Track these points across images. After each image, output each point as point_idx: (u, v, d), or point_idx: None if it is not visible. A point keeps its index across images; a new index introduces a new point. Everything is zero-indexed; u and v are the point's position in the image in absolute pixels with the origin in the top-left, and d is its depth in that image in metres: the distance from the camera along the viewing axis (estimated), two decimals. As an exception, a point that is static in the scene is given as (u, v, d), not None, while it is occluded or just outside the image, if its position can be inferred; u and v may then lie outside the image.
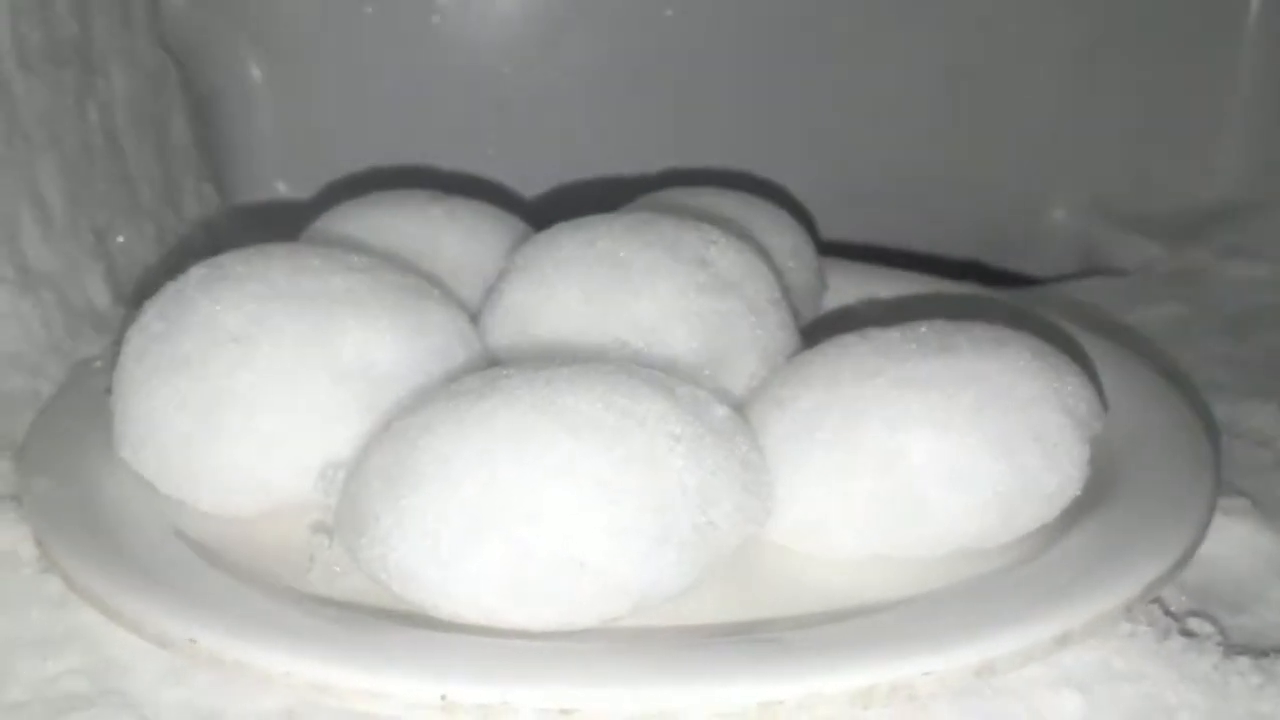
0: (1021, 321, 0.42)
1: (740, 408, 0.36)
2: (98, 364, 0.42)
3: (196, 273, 0.37)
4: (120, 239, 0.54)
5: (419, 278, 0.39)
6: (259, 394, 0.33)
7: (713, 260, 0.40)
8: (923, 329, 0.35)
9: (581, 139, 0.76)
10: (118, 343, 0.46)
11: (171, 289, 0.36)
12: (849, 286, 0.53)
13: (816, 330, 0.47)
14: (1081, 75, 0.80)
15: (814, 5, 0.75)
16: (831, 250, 0.56)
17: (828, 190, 0.72)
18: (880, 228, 0.75)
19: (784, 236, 0.51)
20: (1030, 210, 0.81)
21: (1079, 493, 0.33)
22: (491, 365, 0.39)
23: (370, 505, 0.29)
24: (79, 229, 0.50)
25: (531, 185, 0.74)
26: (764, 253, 0.45)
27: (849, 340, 0.36)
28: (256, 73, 0.72)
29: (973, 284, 0.67)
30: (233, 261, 0.37)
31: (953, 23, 0.77)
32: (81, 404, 0.38)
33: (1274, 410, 0.50)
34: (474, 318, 0.42)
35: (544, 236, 0.42)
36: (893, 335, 0.35)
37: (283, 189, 0.73)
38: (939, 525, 0.31)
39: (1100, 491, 0.34)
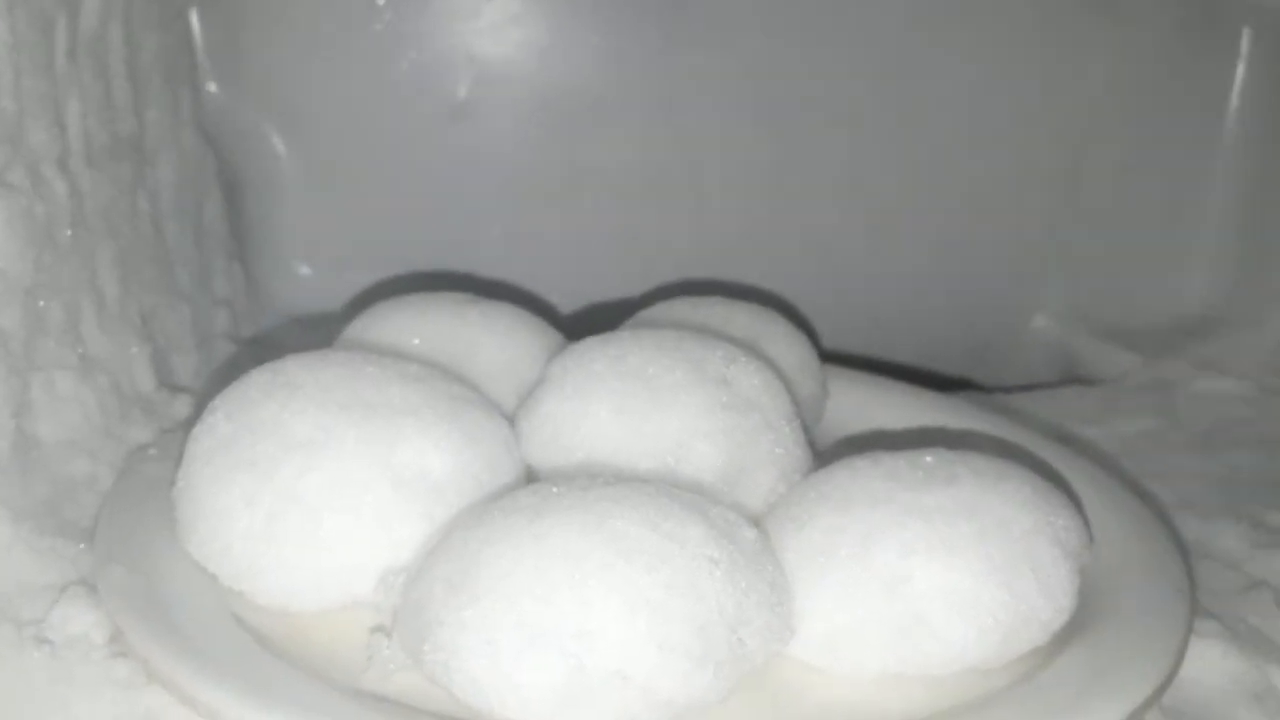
0: (1011, 449, 0.46)
1: (758, 521, 0.39)
2: (152, 452, 0.45)
3: (260, 378, 0.40)
4: (162, 322, 0.57)
5: (467, 387, 0.42)
6: (323, 499, 0.36)
7: (734, 379, 0.43)
8: (928, 458, 0.39)
9: (597, 234, 0.80)
10: (168, 430, 0.49)
11: (236, 392, 0.39)
12: (849, 395, 0.57)
13: (822, 441, 0.51)
14: (1066, 192, 0.85)
15: (812, 125, 0.79)
16: (827, 357, 0.59)
17: (821, 298, 0.76)
18: (869, 332, 0.79)
19: (792, 349, 0.54)
20: (1013, 319, 0.86)
21: (1069, 618, 0.36)
22: (530, 472, 0.42)
23: (434, 613, 0.31)
24: (128, 314, 0.53)
25: (547, 276, 0.77)
26: (779, 371, 0.49)
27: (860, 465, 0.39)
28: (285, 158, 0.75)
29: (964, 394, 0.71)
30: (294, 368, 0.40)
31: (947, 141, 0.82)
32: (143, 493, 0.41)
33: (1243, 531, 0.53)
34: (509, 421, 0.45)
35: (577, 350, 0.45)
36: (900, 462, 0.39)
37: (305, 271, 0.76)
38: (944, 647, 0.34)
39: (1087, 615, 0.38)
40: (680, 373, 0.42)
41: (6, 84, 0.43)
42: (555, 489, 0.34)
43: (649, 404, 0.41)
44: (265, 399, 0.38)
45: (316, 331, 0.68)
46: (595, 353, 0.44)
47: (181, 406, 0.53)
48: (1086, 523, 0.39)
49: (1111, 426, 0.69)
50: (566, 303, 0.77)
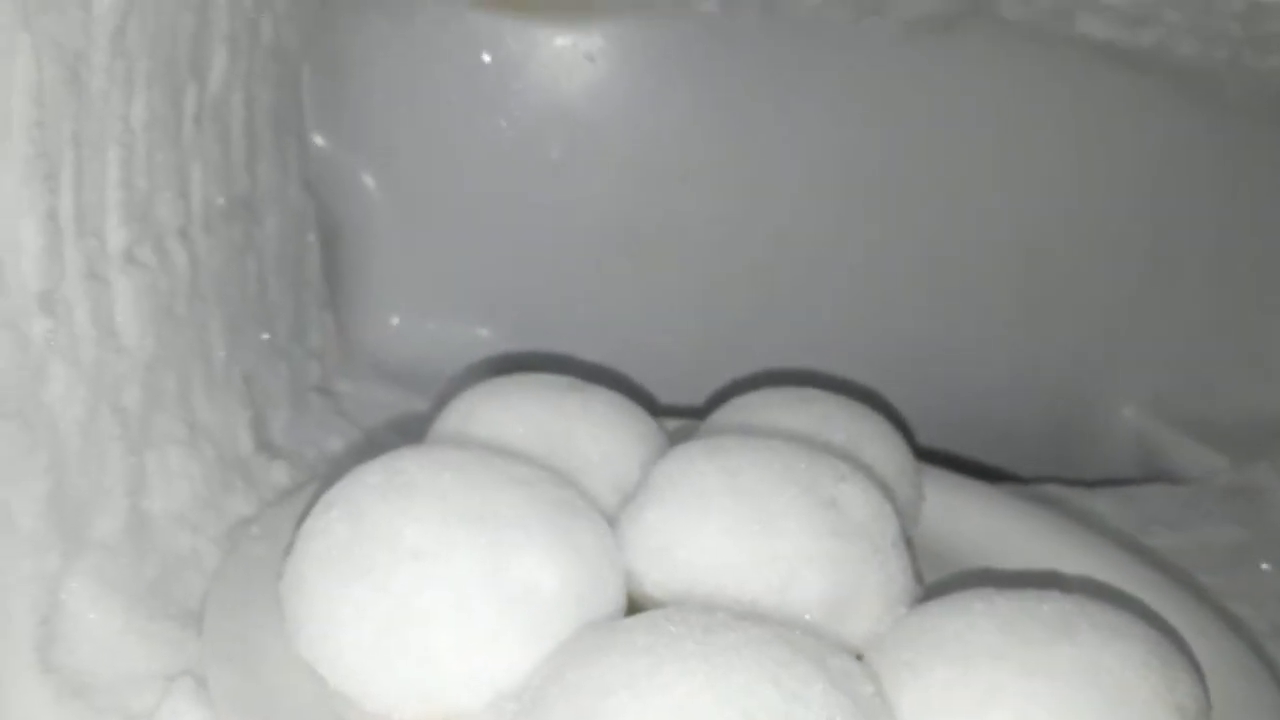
0: (1123, 593, 0.45)
1: (862, 654, 0.39)
2: (255, 530, 0.45)
3: (374, 478, 0.40)
4: (262, 381, 0.57)
5: (573, 490, 0.42)
6: (434, 614, 0.36)
7: (843, 502, 0.43)
8: (1044, 607, 0.38)
9: (681, 296, 0.80)
10: (268, 502, 0.49)
11: (348, 493, 0.39)
12: (942, 498, 0.56)
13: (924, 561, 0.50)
14: (1156, 280, 0.83)
15: (899, 206, 0.79)
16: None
17: (901, 384, 0.75)
18: (950, 421, 0.78)
19: (891, 453, 0.54)
20: (1097, 410, 0.84)
21: (1183, 789, 0.36)
22: (629, 577, 0.42)
23: (551, 757, 0.31)
24: (232, 378, 0.53)
25: (631, 335, 0.78)
26: (878, 476, 0.48)
27: (974, 608, 0.39)
28: (382, 208, 0.76)
29: (1048, 489, 0.70)
30: (408, 467, 0.40)
31: (1035, 225, 0.81)
32: (249, 580, 0.41)
33: (1339, 669, 0.52)
34: (607, 516, 0.45)
35: (685, 456, 0.45)
36: (1016, 609, 0.38)
37: (395, 322, 0.77)
38: (1059, 816, 0.34)
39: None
40: (791, 494, 0.42)
41: (140, 162, 0.43)
42: (672, 628, 0.34)
43: (759, 526, 0.41)
44: (380, 502, 0.38)
45: (404, 387, 0.69)
46: (704, 464, 0.43)
47: (279, 473, 0.53)
48: (1205, 686, 0.38)
49: (1197, 534, 0.68)
50: (648, 365, 0.76)
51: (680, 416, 0.60)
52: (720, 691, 0.31)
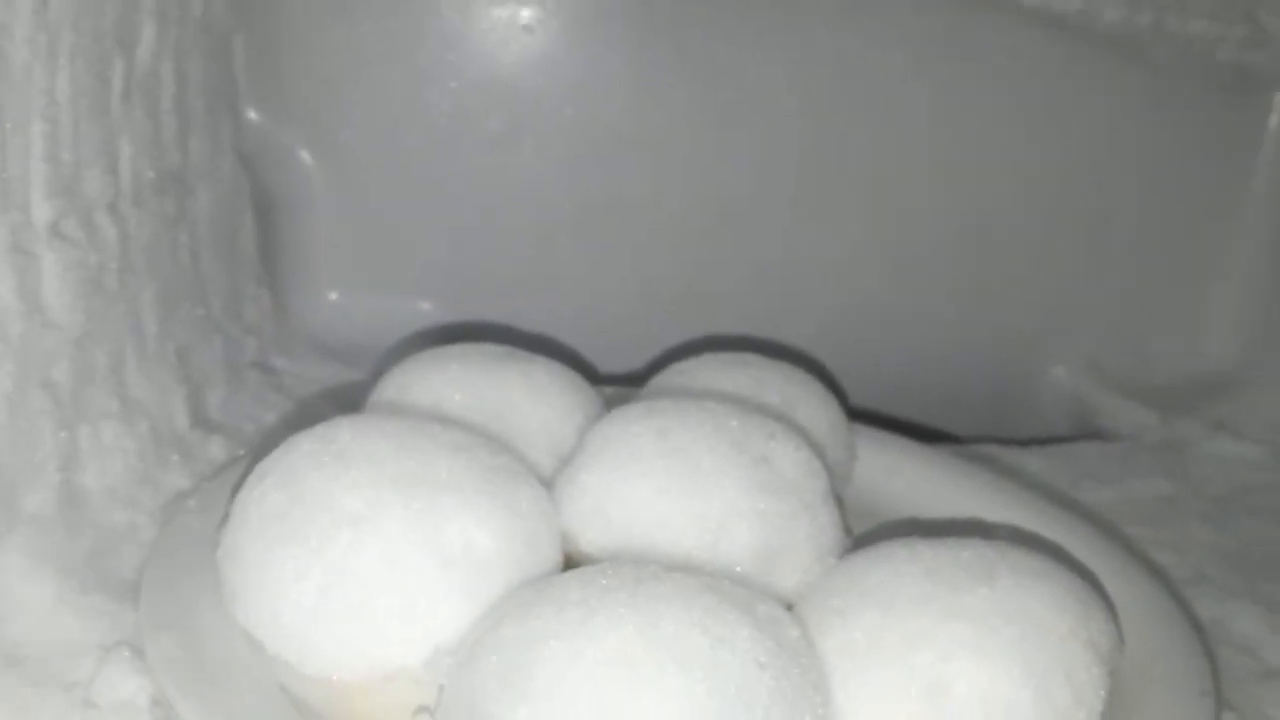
0: (1041, 537, 0.47)
1: (793, 604, 0.40)
2: (191, 504, 0.45)
3: (309, 446, 0.40)
4: (197, 357, 0.57)
5: (510, 456, 0.43)
6: (372, 575, 0.36)
7: (774, 457, 0.44)
8: (965, 552, 0.39)
9: (622, 268, 0.80)
10: (205, 478, 0.50)
11: (286, 460, 0.40)
12: (876, 456, 0.57)
13: (850, 507, 0.51)
14: (1090, 245, 0.85)
15: (841, 174, 0.80)
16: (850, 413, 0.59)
17: (841, 347, 0.76)
18: (889, 384, 0.79)
19: (824, 413, 0.55)
20: (1031, 371, 0.86)
21: (1098, 720, 0.37)
22: (565, 537, 0.43)
23: (486, 706, 0.32)
24: (166, 353, 0.53)
25: (572, 308, 0.78)
26: (811, 436, 0.49)
27: (898, 556, 0.40)
28: (319, 183, 0.76)
29: (984, 448, 0.72)
30: (345, 437, 0.40)
31: (973, 191, 0.82)
32: (186, 552, 0.41)
33: (1260, 614, 0.54)
34: (544, 482, 0.45)
35: (619, 420, 0.46)
36: (939, 556, 0.39)
37: (333, 297, 0.76)
38: (980, 750, 0.35)
39: (1113, 715, 0.38)
40: (722, 451, 0.43)
41: (65, 136, 0.43)
42: (604, 580, 0.35)
43: (691, 483, 0.42)
44: (315, 470, 0.39)
45: (342, 362, 0.68)
46: (638, 425, 0.44)
47: (215, 448, 0.53)
48: (1119, 625, 0.39)
49: (1126, 488, 0.70)
50: (591, 335, 0.77)
51: (619, 384, 0.61)
52: (650, 639, 0.32)
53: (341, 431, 0.41)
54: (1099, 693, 0.37)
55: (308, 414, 0.51)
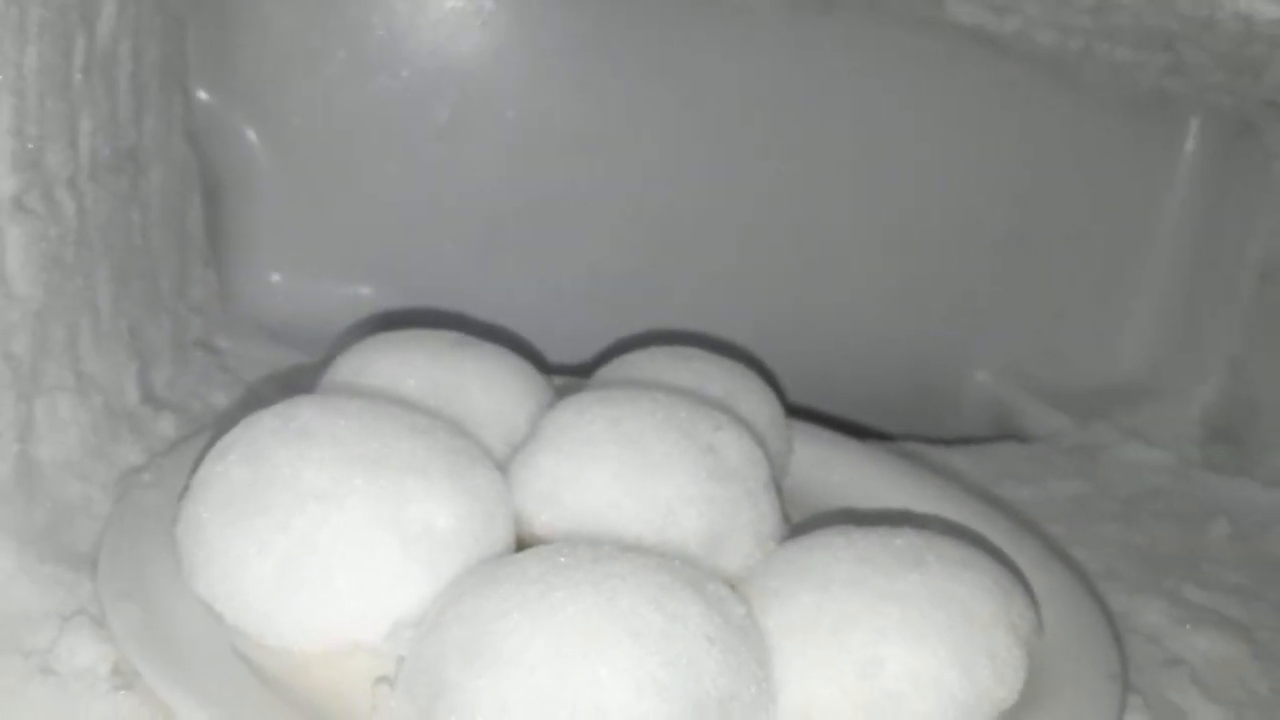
0: (967, 529, 0.49)
1: (736, 585, 0.42)
2: (146, 478, 0.46)
3: (272, 423, 0.41)
4: (147, 334, 0.57)
5: (467, 439, 0.44)
6: (335, 550, 0.38)
7: (720, 447, 0.46)
8: (898, 540, 0.42)
9: (566, 260, 0.82)
10: (157, 453, 0.50)
11: (247, 437, 0.41)
12: (811, 450, 0.60)
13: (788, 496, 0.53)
14: (1013, 253, 0.89)
15: (778, 177, 0.82)
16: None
17: (774, 346, 0.79)
18: (820, 382, 0.81)
19: (763, 407, 0.57)
20: (955, 374, 0.89)
21: (1017, 699, 0.40)
22: (519, 519, 0.44)
23: (449, 675, 0.33)
24: (118, 329, 0.53)
25: (518, 298, 0.79)
26: (759, 437, 0.51)
27: (835, 543, 0.42)
28: (266, 165, 0.76)
29: (910, 445, 0.75)
30: (307, 415, 0.41)
31: (902, 197, 0.85)
32: (144, 524, 0.42)
33: (1163, 607, 0.57)
34: (499, 466, 0.47)
35: (573, 407, 0.47)
36: (872, 543, 0.42)
37: (276, 279, 0.77)
38: (908, 723, 0.38)
39: (1031, 694, 0.41)
40: (672, 439, 0.45)
41: (31, 109, 0.43)
42: (562, 558, 0.36)
43: (644, 471, 0.44)
44: (279, 446, 0.40)
45: (284, 344, 0.69)
46: (592, 413, 0.46)
47: (165, 424, 0.54)
48: (1038, 610, 0.42)
49: (1044, 487, 0.73)
50: (533, 326, 0.78)
51: (568, 374, 0.62)
52: (606, 613, 0.33)
53: (304, 410, 0.42)
54: (1019, 673, 0.40)
55: (260, 398, 0.52)
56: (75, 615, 0.39)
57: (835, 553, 0.41)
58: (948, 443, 0.78)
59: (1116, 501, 0.73)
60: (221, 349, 0.69)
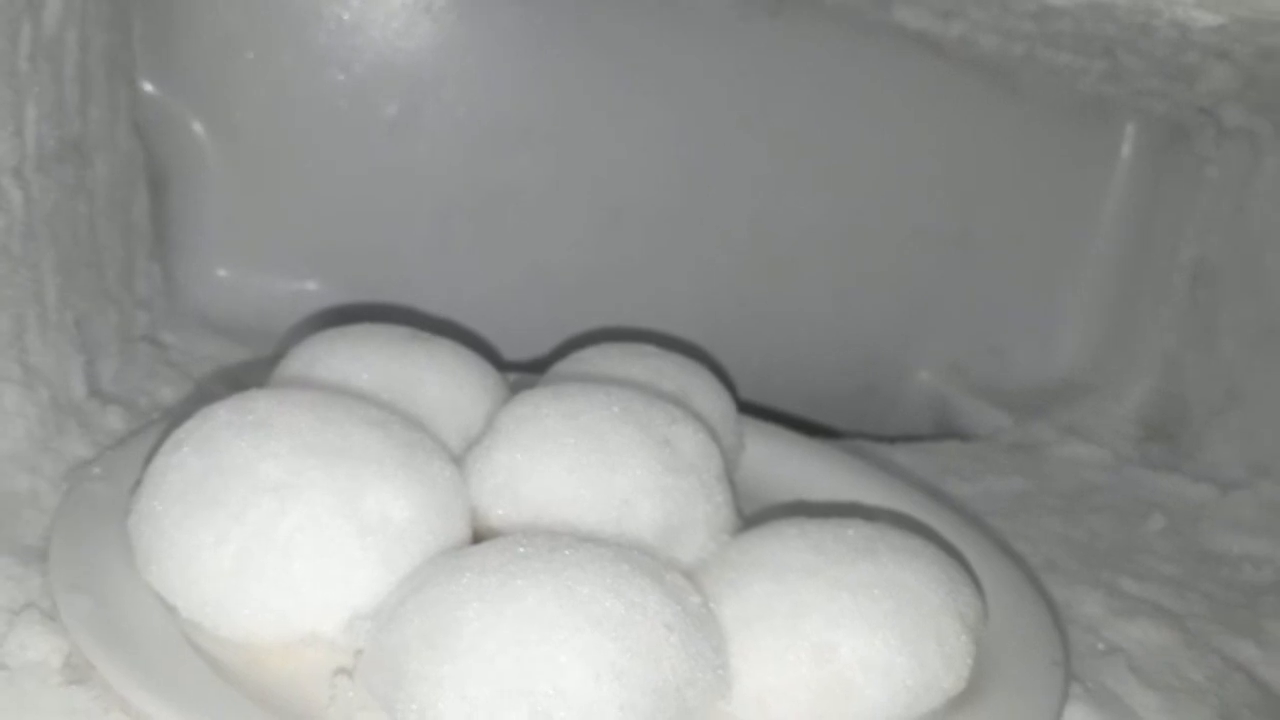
0: (915, 520, 0.50)
1: (691, 576, 0.43)
2: (96, 471, 0.45)
3: (228, 415, 0.41)
4: (92, 327, 0.56)
5: (423, 432, 0.44)
6: (292, 542, 0.38)
7: (675, 440, 0.47)
8: (849, 531, 0.43)
9: (515, 255, 0.82)
10: (106, 446, 0.49)
11: (204, 428, 0.40)
12: (761, 446, 0.61)
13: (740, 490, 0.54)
14: (953, 254, 0.90)
15: (725, 173, 0.83)
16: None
17: (720, 342, 0.80)
18: (765, 379, 0.83)
19: (716, 402, 0.58)
20: (897, 372, 0.91)
21: (965, 684, 0.41)
22: (475, 514, 0.45)
23: (411, 665, 0.34)
24: (65, 322, 0.53)
25: (467, 294, 0.79)
26: (713, 431, 0.52)
27: (788, 533, 0.43)
28: (212, 159, 0.75)
29: (855, 443, 0.76)
30: (263, 407, 0.41)
31: (847, 198, 0.87)
32: (94, 517, 0.42)
33: (1101, 598, 0.59)
34: (455, 460, 0.47)
35: (529, 401, 0.47)
36: (825, 534, 0.43)
37: (222, 274, 0.76)
38: (861, 708, 0.38)
39: (978, 680, 0.42)
40: (628, 432, 0.45)
41: (-24, 96, 0.43)
42: (521, 549, 0.36)
43: (600, 463, 0.44)
44: (235, 438, 0.39)
45: (230, 339, 0.68)
46: (548, 407, 0.46)
47: (113, 418, 0.53)
48: (984, 599, 0.43)
49: (985, 484, 0.75)
50: (483, 320, 0.78)
51: (521, 371, 0.62)
52: (566, 601, 0.34)
53: (259, 402, 0.42)
54: (966, 660, 0.41)
55: (208, 394, 0.51)
56: (25, 609, 0.38)
57: (789, 543, 0.42)
58: (891, 440, 0.79)
59: (1056, 497, 0.74)
60: (168, 343, 0.68)
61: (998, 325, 0.93)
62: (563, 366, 0.58)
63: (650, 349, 0.59)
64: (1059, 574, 0.61)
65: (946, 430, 0.89)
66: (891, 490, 0.55)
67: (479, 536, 0.44)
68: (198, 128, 0.74)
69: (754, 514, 0.50)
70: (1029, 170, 0.90)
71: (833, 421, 0.84)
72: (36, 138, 0.50)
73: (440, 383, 0.52)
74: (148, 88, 0.71)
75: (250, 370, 0.58)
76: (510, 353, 0.75)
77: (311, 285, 0.79)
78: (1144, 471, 0.78)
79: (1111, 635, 0.55)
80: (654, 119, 0.81)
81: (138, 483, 0.41)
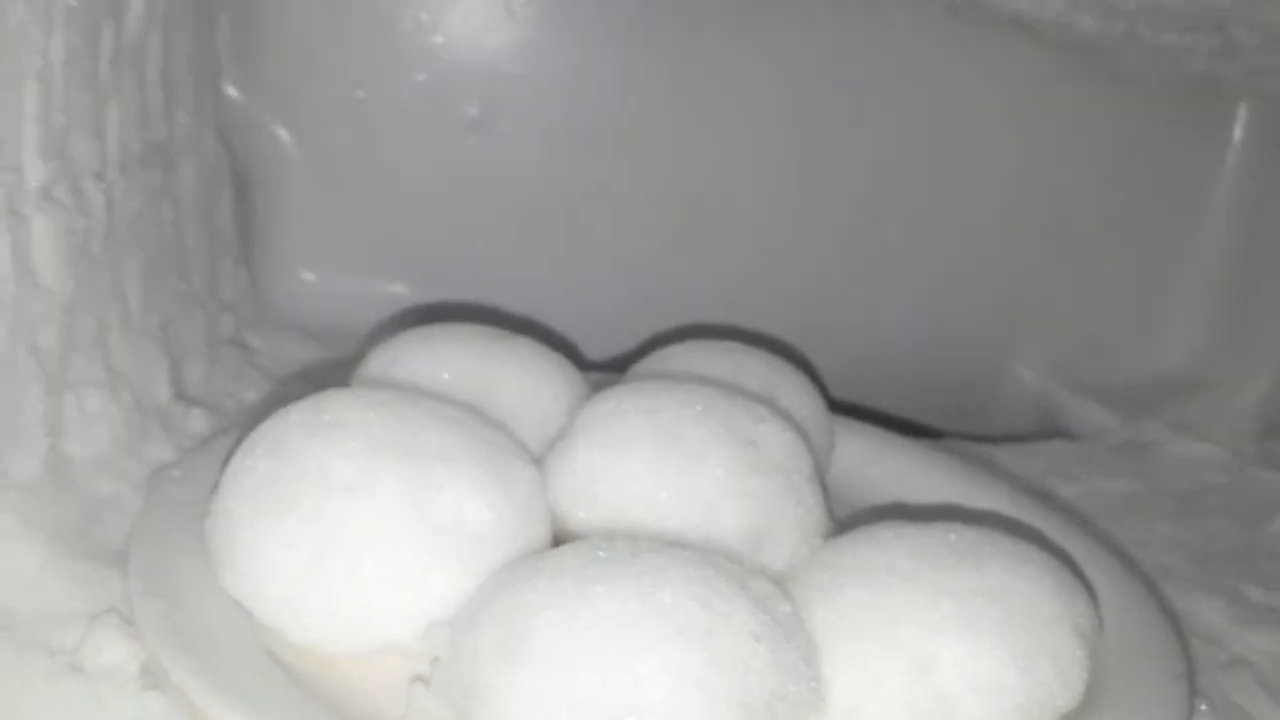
0: (1021, 523, 0.48)
1: (781, 583, 0.40)
2: (176, 474, 0.45)
3: (301, 416, 0.40)
4: (178, 331, 0.57)
5: (501, 431, 0.43)
6: (365, 545, 0.36)
7: (762, 440, 0.45)
8: (951, 535, 0.40)
9: (603, 255, 0.81)
10: (187, 449, 0.49)
11: (275, 431, 0.40)
12: (854, 445, 0.58)
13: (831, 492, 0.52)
14: (1055, 246, 0.87)
15: (822, 170, 0.81)
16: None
17: (815, 340, 0.77)
18: (860, 377, 0.80)
19: (805, 401, 0.56)
20: (997, 369, 0.88)
21: (1080, 702, 0.38)
22: (555, 516, 0.43)
23: (484, 673, 0.32)
24: (149, 325, 0.53)
25: (552, 295, 0.78)
26: (802, 430, 0.50)
27: (885, 537, 0.40)
28: (297, 162, 0.75)
29: (952, 443, 0.73)
30: (337, 407, 0.40)
31: (945, 191, 0.84)
32: (173, 520, 0.41)
33: (1222, 606, 0.55)
34: (534, 461, 0.45)
35: (610, 399, 0.46)
36: (925, 538, 0.40)
37: (309, 277, 0.76)
38: (964, 726, 0.36)
39: (1093, 696, 0.39)
40: (712, 432, 0.43)
41: (57, 98, 0.43)
42: (600, 553, 0.35)
43: (682, 463, 0.42)
44: (307, 439, 0.39)
45: (316, 342, 0.68)
46: (629, 405, 0.45)
47: (197, 422, 0.53)
48: (1099, 610, 0.40)
49: (1092, 486, 0.71)
50: (569, 320, 0.77)
51: (603, 370, 0.61)
52: (648, 608, 0.32)
53: (332, 402, 0.41)
54: (1082, 675, 0.38)
55: (289, 394, 0.51)
56: (105, 613, 0.38)
57: (885, 547, 0.40)
58: (992, 440, 0.76)
59: (1168, 498, 0.71)
60: (253, 346, 0.68)
61: (1103, 320, 0.89)
62: (645, 365, 0.57)
63: (736, 345, 0.57)
64: (1175, 580, 0.58)
65: (1050, 430, 0.85)
66: (995, 492, 0.53)
67: (558, 540, 0.42)
68: (281, 131, 0.74)
69: (846, 518, 0.47)
70: (1134, 157, 0.86)
71: (930, 421, 0.80)
72: (120, 141, 0.50)
73: (521, 382, 0.50)
74: (231, 92, 0.71)
75: (332, 371, 0.57)
76: (593, 352, 0.74)
77: (395, 286, 0.79)
78: (1265, 471, 0.73)
79: (1236, 646, 0.52)
80: (740, 113, 0.79)
81: (216, 485, 0.41)
